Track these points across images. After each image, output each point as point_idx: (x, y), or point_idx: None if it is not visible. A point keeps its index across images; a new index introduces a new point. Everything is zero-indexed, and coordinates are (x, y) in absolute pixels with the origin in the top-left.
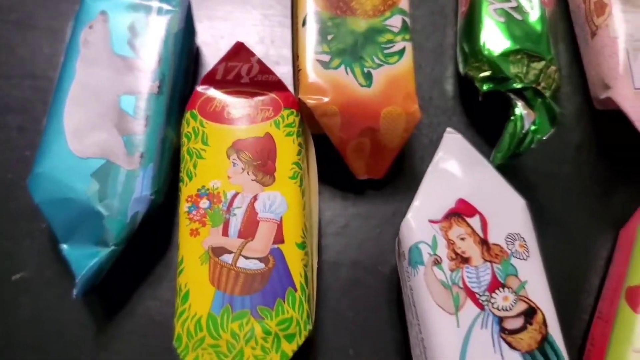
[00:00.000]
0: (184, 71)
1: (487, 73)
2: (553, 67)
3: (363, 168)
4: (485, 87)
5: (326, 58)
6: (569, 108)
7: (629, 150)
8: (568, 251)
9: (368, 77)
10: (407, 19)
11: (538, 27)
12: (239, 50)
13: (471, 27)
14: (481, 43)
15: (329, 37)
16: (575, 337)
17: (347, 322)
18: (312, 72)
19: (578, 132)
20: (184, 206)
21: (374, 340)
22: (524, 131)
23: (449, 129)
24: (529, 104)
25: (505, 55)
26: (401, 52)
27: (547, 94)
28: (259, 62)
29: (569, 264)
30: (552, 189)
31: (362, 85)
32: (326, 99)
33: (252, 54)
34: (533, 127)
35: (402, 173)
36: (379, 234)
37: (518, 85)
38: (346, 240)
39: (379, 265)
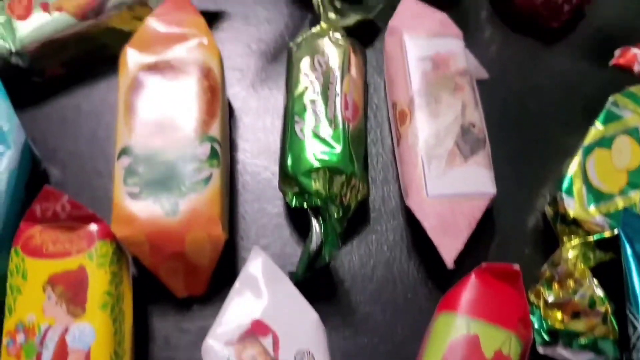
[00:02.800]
0: (20, 204)
1: (295, 189)
2: (355, 180)
3: (181, 287)
4: (294, 203)
5: (135, 189)
6: (389, 207)
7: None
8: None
9: (174, 205)
10: (217, 146)
11: (340, 144)
12: (48, 194)
13: (282, 147)
14: (287, 162)
15: (140, 169)
16: None
17: None
18: (122, 204)
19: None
20: (4, 341)
21: None
22: (316, 247)
23: (255, 247)
24: (324, 220)
25: (307, 173)
26: (207, 179)
27: (353, 203)
28: (69, 201)
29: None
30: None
31: (167, 214)
32: (134, 230)
33: (61, 195)
34: (326, 243)
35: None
36: None
37: (317, 202)
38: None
39: None
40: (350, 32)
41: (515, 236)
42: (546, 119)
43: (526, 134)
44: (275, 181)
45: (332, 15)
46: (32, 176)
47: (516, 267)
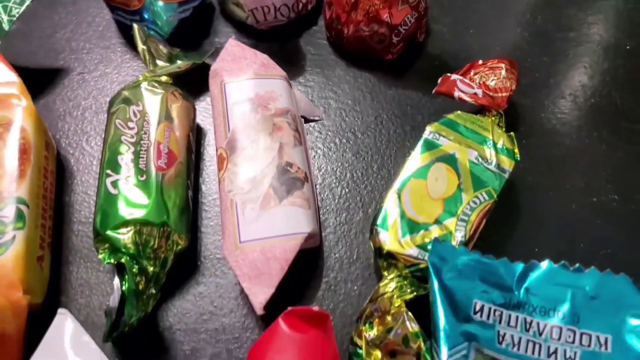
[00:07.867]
0: None
1: (106, 245)
2: (170, 231)
3: None
4: (107, 260)
5: None
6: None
7: None
8: None
9: None
10: (23, 207)
11: (150, 195)
12: None
13: (95, 203)
14: (97, 219)
15: None
16: None
17: None
18: None
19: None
20: None
21: None
22: (117, 307)
23: (60, 310)
24: (131, 276)
25: (115, 228)
26: (9, 242)
27: (170, 256)
28: None
29: None
30: None
31: None
32: None
33: None
34: (127, 304)
35: None
36: None
37: (127, 259)
38: None
39: None
40: (184, 78)
41: (345, 275)
42: (381, 150)
43: (362, 162)
44: None
45: (159, 62)
46: None
47: (318, 309)
